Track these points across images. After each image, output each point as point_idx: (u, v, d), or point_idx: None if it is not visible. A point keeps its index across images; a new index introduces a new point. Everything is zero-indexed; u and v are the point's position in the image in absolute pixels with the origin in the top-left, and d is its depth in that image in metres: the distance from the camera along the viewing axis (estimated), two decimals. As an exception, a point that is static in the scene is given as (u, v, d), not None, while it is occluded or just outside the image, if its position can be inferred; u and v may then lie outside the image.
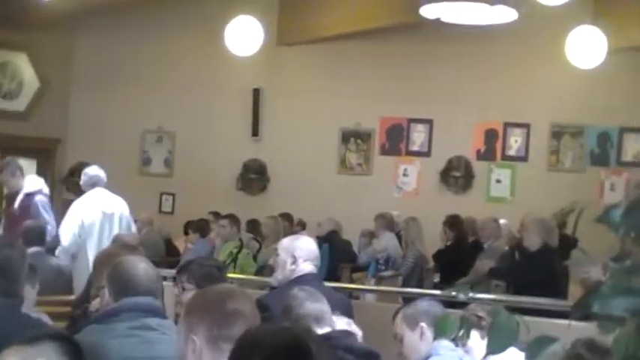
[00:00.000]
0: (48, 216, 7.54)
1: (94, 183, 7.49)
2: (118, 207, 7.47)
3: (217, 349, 2.36)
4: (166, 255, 10.41)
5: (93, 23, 12.35)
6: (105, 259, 4.05)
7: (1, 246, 2.97)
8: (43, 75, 12.25)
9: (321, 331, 3.41)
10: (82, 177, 7.64)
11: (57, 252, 6.82)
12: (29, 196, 7.59)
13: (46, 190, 7.80)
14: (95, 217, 7.24)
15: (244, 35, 8.26)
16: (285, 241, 4.61)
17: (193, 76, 12.40)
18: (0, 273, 2.75)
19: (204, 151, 12.40)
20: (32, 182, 7.77)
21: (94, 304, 3.83)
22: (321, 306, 3.59)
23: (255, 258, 9.20)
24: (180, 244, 11.10)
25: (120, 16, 12.17)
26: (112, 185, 12.55)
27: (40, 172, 12.66)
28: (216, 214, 10.15)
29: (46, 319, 3.47)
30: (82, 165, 12.61)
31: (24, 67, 12.14)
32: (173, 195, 12.79)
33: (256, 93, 12.49)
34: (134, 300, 3.23)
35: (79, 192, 12.52)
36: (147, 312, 3.24)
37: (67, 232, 7.14)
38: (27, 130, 12.05)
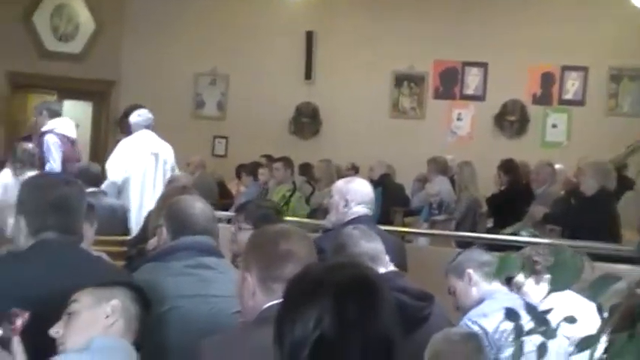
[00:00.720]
0: (55, 155, 7.66)
1: (143, 125, 7.65)
2: (165, 151, 7.62)
3: (268, 289, 2.37)
4: (219, 198, 10.48)
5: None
6: (163, 199, 4.08)
7: (59, 182, 2.97)
8: (98, 17, 12.31)
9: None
10: (132, 118, 7.80)
11: (103, 186, 6.95)
12: (42, 135, 7.79)
13: (61, 129, 7.86)
14: (142, 157, 7.40)
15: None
16: (339, 184, 4.59)
17: (247, 18, 12.32)
18: (59, 209, 2.77)
19: (257, 94, 12.35)
20: (55, 122, 7.91)
21: (152, 243, 3.87)
22: (376, 245, 3.56)
23: (307, 201, 9.25)
24: (232, 187, 11.17)
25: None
26: (166, 128, 12.64)
27: (95, 114, 12.86)
28: (269, 158, 10.18)
29: (105, 257, 3.51)
30: (136, 107, 12.83)
31: (80, 9, 12.20)
32: (226, 138, 12.82)
33: (309, 36, 12.39)
34: (191, 239, 3.26)
35: (129, 132, 12.74)
36: (203, 251, 3.26)
37: (115, 167, 7.35)
38: (82, 73, 12.16)
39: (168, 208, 3.40)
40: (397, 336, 1.69)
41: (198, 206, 3.39)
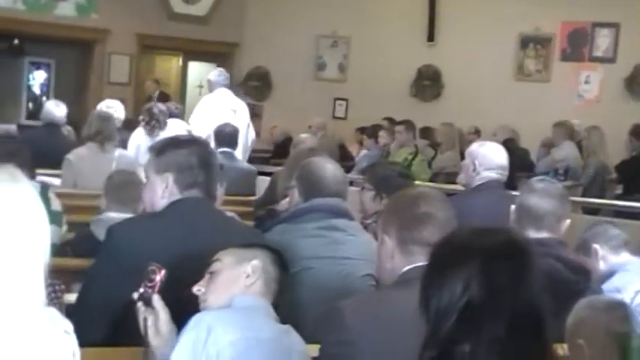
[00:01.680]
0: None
1: (222, 83, 8.12)
2: (242, 107, 8.12)
3: (407, 252, 2.35)
4: (340, 159, 10.48)
5: None
6: (293, 160, 4.11)
7: (196, 142, 3.02)
8: (222, -21, 12.47)
9: (537, 235, 3.29)
10: (212, 77, 8.24)
11: None
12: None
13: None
14: (222, 113, 7.68)
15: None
16: (472, 147, 4.53)
17: None
18: (204, 167, 2.81)
19: (379, 56, 12.27)
20: None
21: (283, 204, 3.91)
22: (548, 206, 3.35)
23: (429, 164, 9.17)
24: (353, 149, 11.17)
25: None
26: (287, 90, 12.87)
27: (219, 76, 13.06)
28: (391, 120, 10.13)
29: (237, 218, 3.57)
30: (259, 69, 12.99)
31: (204, -29, 12.38)
32: (346, 100, 12.83)
33: (433, -3, 12.22)
34: (322, 201, 3.26)
35: (255, 96, 12.93)
36: (334, 213, 3.27)
37: (198, 122, 7.72)
38: (207, 34, 12.36)
39: (300, 170, 3.42)
40: (546, 306, 1.64)
41: (329, 168, 3.39)
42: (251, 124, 8.22)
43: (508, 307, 1.61)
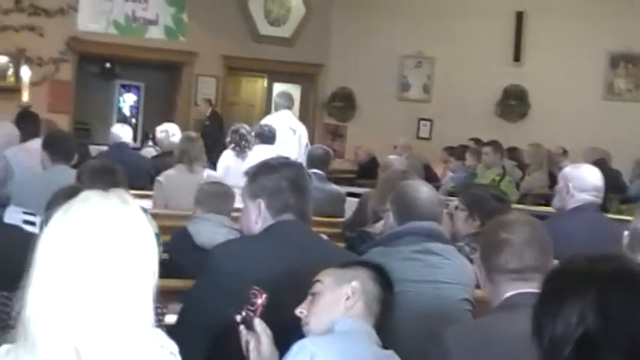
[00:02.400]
0: None
1: (284, 105, 8.64)
2: (300, 128, 8.66)
3: (493, 280, 2.36)
4: (426, 180, 10.40)
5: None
6: (386, 183, 4.12)
7: (288, 164, 3.00)
8: (308, 1, 12.56)
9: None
10: (277, 98, 8.99)
11: None
12: None
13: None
14: (282, 132, 8.02)
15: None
16: (566, 169, 4.50)
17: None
18: (296, 190, 2.81)
19: (463, 76, 12.21)
20: None
21: (377, 227, 3.89)
22: None
23: (517, 186, 9.02)
24: (438, 169, 11.07)
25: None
26: (371, 110, 12.87)
27: (304, 97, 13.17)
28: (478, 141, 10.01)
29: (326, 239, 3.56)
30: (343, 90, 13.04)
31: (291, -7, 12.51)
32: (430, 121, 12.79)
33: (519, 16, 12.07)
34: (418, 224, 3.24)
35: (339, 117, 12.98)
36: (429, 236, 3.24)
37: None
38: (292, 56, 12.47)
39: (395, 193, 3.40)
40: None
41: (424, 191, 3.37)
42: (309, 144, 8.63)
43: (626, 337, 1.55)
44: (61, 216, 1.62)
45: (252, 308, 2.33)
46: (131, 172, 5.99)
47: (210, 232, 4.06)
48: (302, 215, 2.86)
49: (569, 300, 1.58)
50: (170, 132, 7.42)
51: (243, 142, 7.27)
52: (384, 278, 2.51)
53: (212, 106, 11.69)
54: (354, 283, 2.42)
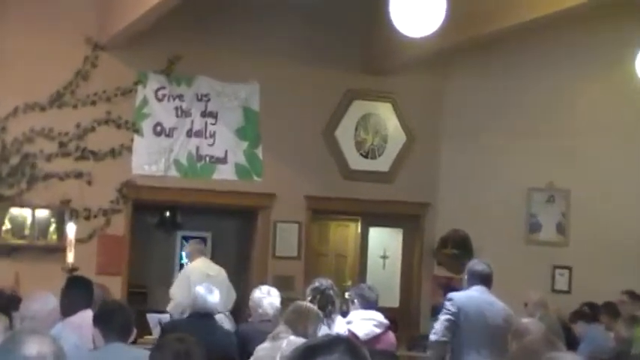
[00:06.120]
0: None
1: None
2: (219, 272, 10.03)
3: None
4: (566, 345, 9.88)
5: (465, 61, 12.42)
6: (523, 353, 4.26)
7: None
8: (408, 127, 12.45)
9: None
10: (188, 248, 10.68)
11: None
12: None
13: None
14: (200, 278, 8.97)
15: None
16: None
17: (591, 119, 12.28)
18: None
19: (607, 213, 12.21)
20: None
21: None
22: None
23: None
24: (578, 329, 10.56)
25: (495, 52, 12.13)
26: (493, 256, 12.36)
27: (406, 244, 12.89)
28: (633, 294, 9.59)
29: None
30: (456, 233, 12.70)
31: (388, 118, 12.41)
32: (569, 268, 12.63)
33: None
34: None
35: (452, 266, 12.58)
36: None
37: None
38: (391, 194, 12.33)
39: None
40: None
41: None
42: (231, 287, 9.99)
43: None
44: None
45: None
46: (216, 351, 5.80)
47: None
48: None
49: None
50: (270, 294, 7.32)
51: (329, 307, 7.03)
52: None
53: None
54: None
